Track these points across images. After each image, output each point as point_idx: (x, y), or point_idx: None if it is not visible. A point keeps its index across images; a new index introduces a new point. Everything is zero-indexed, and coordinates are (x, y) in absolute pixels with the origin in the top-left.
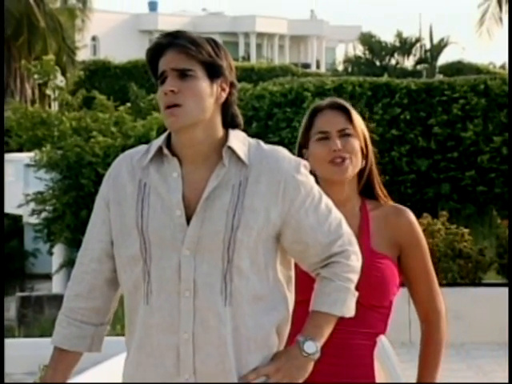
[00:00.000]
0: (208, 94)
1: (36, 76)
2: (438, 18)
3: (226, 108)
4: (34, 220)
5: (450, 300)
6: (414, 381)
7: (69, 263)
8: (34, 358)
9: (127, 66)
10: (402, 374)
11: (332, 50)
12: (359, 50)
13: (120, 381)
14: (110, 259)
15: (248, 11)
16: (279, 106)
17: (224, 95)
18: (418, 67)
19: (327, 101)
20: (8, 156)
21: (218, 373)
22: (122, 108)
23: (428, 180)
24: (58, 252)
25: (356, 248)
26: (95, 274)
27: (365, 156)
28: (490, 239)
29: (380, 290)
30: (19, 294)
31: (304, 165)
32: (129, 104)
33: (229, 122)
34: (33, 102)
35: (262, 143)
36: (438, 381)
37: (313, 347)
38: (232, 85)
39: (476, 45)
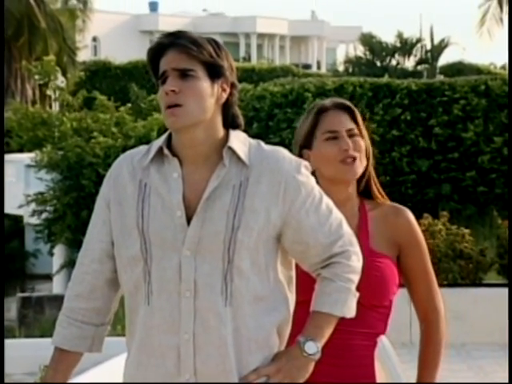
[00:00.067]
0: (209, 95)
1: (37, 76)
2: (438, 19)
3: (226, 108)
4: (34, 220)
5: (450, 300)
6: (415, 381)
7: (69, 264)
8: (35, 359)
9: (128, 66)
10: (402, 375)
11: (333, 50)
12: (360, 51)
13: (121, 381)
14: (110, 260)
15: (249, 12)
16: (280, 107)
17: (225, 96)
18: (419, 68)
19: (330, 101)
20: (8, 157)
21: (218, 373)
22: (122, 108)
23: (429, 180)
24: (59, 252)
25: (357, 248)
26: (96, 274)
27: (367, 156)
28: (490, 240)
29: (380, 290)
30: (20, 294)
31: (305, 165)
32: (129, 104)
33: (229, 123)
34: (33, 103)
35: (262, 144)
36: (438, 381)
37: (313, 348)
38: (233, 85)
39: (477, 45)
